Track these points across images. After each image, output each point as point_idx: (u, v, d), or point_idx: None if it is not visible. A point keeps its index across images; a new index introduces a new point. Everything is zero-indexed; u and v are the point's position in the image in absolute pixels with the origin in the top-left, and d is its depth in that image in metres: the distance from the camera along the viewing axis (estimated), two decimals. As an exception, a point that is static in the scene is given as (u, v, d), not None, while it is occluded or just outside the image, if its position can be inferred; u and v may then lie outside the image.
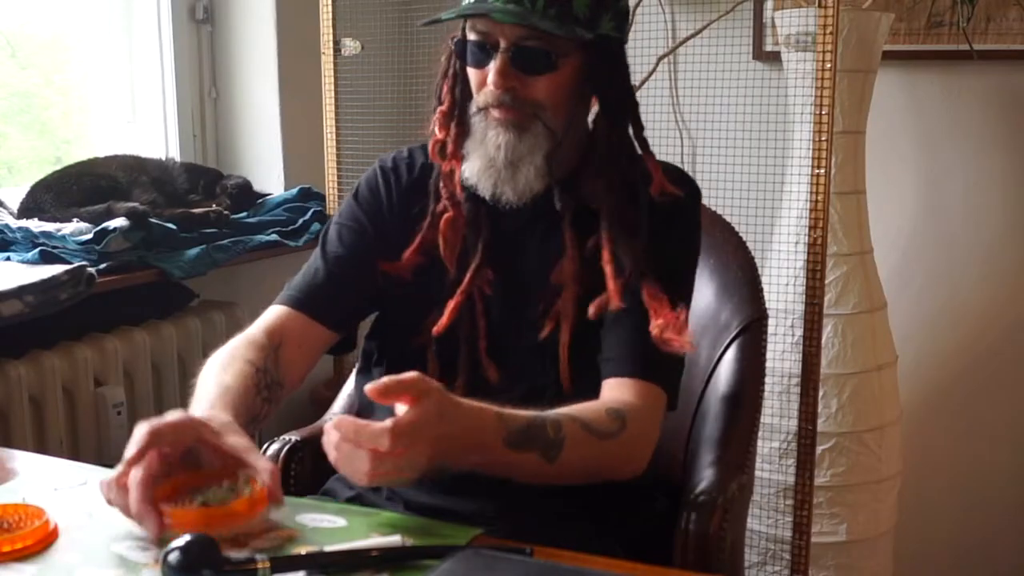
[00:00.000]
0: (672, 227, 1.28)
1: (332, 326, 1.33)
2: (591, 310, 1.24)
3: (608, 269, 1.24)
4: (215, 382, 1.19)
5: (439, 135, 1.31)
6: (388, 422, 0.99)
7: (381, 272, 1.32)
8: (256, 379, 1.22)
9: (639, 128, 1.31)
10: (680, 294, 1.26)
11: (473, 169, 1.26)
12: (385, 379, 1.02)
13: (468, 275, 1.29)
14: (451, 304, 1.29)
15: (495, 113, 1.24)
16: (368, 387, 1.01)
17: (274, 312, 1.32)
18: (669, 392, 1.25)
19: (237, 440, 1.06)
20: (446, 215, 1.31)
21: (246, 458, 1.04)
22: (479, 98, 1.25)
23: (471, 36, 1.24)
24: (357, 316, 1.39)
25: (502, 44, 1.21)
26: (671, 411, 1.27)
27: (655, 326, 1.20)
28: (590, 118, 1.31)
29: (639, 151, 1.30)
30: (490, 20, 1.21)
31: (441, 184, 1.32)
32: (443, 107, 1.31)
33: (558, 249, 1.28)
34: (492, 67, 1.22)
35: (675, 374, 1.26)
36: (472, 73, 1.26)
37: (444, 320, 1.29)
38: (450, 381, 1.29)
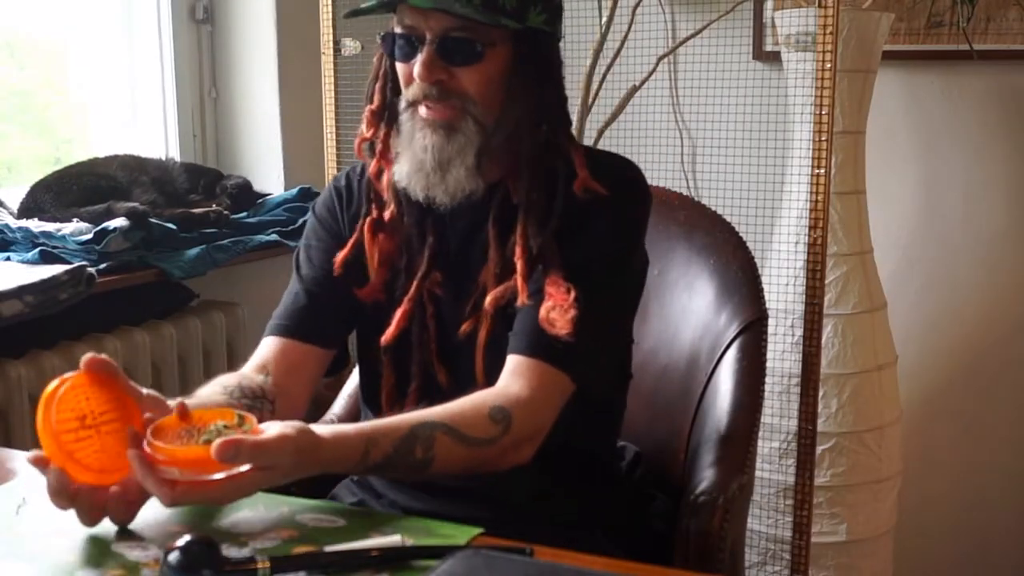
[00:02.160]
0: (589, 221, 1.24)
1: (323, 344, 1.33)
2: (487, 300, 1.23)
3: (519, 265, 1.22)
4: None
5: (366, 133, 1.30)
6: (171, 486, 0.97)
7: (356, 299, 1.31)
8: (227, 391, 1.21)
9: (566, 123, 1.30)
10: (587, 285, 1.20)
11: (403, 172, 1.25)
12: (242, 442, 0.97)
13: (415, 283, 1.28)
14: (399, 313, 1.28)
15: (423, 112, 1.22)
16: (216, 445, 0.95)
17: (265, 345, 1.32)
18: (575, 378, 1.19)
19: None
20: (370, 218, 1.30)
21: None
22: (407, 93, 1.24)
23: (398, 30, 1.23)
24: (343, 331, 1.38)
25: (428, 36, 1.20)
26: (586, 389, 1.22)
27: (543, 308, 1.18)
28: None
29: (567, 146, 1.28)
30: (415, 12, 1.20)
31: (374, 185, 1.31)
32: (372, 106, 1.30)
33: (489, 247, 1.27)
34: (418, 59, 1.20)
35: (583, 360, 1.20)
36: (400, 68, 1.25)
37: (392, 330, 1.28)
38: (404, 387, 1.29)
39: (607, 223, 1.25)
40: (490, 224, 1.26)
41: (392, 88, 1.28)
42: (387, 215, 1.30)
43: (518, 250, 1.22)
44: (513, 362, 1.19)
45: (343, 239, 1.34)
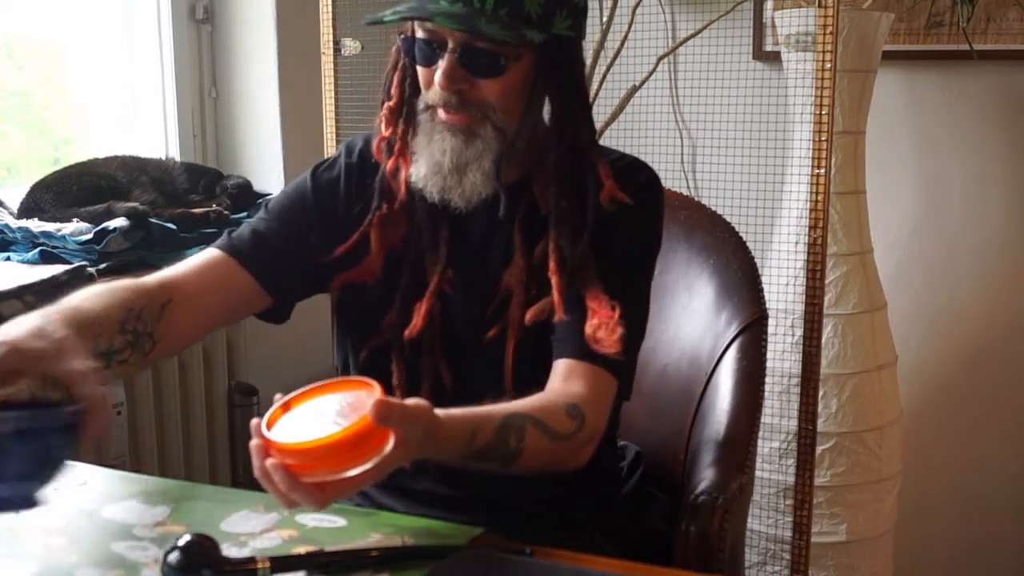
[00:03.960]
0: (615, 229, 1.24)
1: (263, 282, 1.27)
2: (528, 315, 1.22)
3: (555, 280, 1.21)
4: (70, 302, 1.10)
5: (385, 132, 1.28)
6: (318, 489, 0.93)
7: (343, 282, 1.29)
8: (121, 315, 1.13)
9: (590, 131, 1.28)
10: (621, 297, 1.20)
11: (420, 173, 1.23)
12: (393, 404, 0.94)
13: (435, 279, 1.26)
14: (422, 308, 1.25)
15: (442, 115, 1.21)
16: (374, 405, 0.92)
17: (205, 255, 1.26)
18: (620, 380, 1.20)
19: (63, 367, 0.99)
20: (380, 213, 1.28)
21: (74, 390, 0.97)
22: (427, 96, 1.22)
23: (419, 34, 1.21)
24: (288, 285, 1.31)
25: (450, 44, 1.17)
26: (624, 400, 1.25)
27: (589, 326, 1.17)
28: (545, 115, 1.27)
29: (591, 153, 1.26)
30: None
31: (389, 181, 1.29)
32: (391, 103, 1.28)
33: (512, 252, 1.25)
34: (439, 67, 1.18)
35: (625, 363, 1.21)
36: (420, 70, 1.23)
37: (418, 322, 1.25)
38: (415, 384, 1.27)
39: (633, 231, 1.26)
40: (515, 229, 1.25)
41: (411, 85, 1.26)
42: (396, 206, 1.28)
43: (552, 264, 1.21)
44: (565, 366, 1.19)
45: (333, 215, 1.31)
